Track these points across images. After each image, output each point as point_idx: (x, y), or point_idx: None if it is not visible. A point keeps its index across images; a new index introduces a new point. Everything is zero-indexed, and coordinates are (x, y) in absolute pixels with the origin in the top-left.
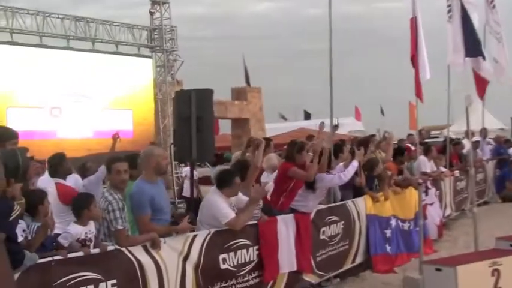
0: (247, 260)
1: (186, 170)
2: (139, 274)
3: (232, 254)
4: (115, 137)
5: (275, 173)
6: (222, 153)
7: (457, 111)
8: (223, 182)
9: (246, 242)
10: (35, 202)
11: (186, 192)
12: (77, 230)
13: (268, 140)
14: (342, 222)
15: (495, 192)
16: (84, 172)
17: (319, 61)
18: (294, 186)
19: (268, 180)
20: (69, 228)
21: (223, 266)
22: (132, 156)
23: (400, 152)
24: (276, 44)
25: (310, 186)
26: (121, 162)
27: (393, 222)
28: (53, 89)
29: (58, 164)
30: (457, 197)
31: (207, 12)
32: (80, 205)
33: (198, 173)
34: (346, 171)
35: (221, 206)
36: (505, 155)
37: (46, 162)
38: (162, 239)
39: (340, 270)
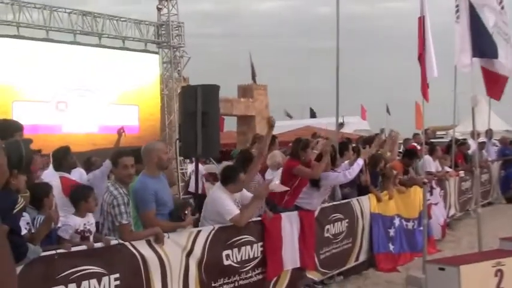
0: (250, 256)
1: (192, 166)
2: (142, 269)
3: (235, 250)
4: (120, 132)
5: (279, 171)
6: (229, 150)
7: (463, 112)
8: (228, 178)
9: (250, 238)
10: (40, 195)
11: (193, 188)
12: (76, 221)
13: (273, 137)
14: (346, 220)
15: (500, 193)
16: (89, 166)
17: (326, 60)
18: (298, 183)
19: (272, 177)
20: (68, 221)
21: (226, 262)
22: (137, 151)
23: (410, 154)
24: (283, 42)
25: (315, 183)
26: (128, 156)
27: (397, 221)
28: (58, 84)
29: (62, 158)
30: (461, 197)
31: (214, 9)
32: (77, 197)
33: (203, 169)
34: (351, 169)
35: (225, 203)
36: (510, 156)
37: (50, 156)
38: (165, 234)
39: (343, 268)
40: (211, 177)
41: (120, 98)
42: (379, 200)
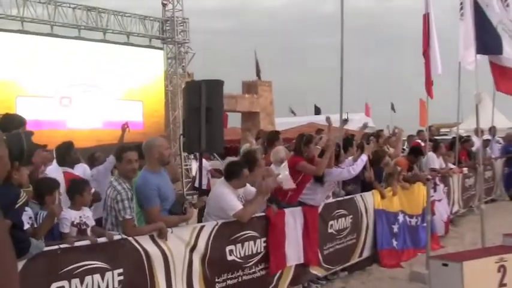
0: (254, 251)
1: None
2: (145, 264)
3: (239, 245)
4: (124, 127)
5: (282, 165)
6: (233, 147)
7: (467, 110)
8: (232, 174)
9: (253, 233)
10: (43, 191)
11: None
12: (71, 214)
13: (276, 132)
14: (350, 216)
15: (503, 190)
16: (93, 162)
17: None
18: (302, 179)
19: (278, 172)
20: (64, 214)
21: (230, 258)
22: (141, 146)
23: (416, 152)
24: (288, 39)
25: (319, 179)
26: (132, 151)
27: (400, 217)
28: (63, 79)
29: (66, 153)
30: (465, 194)
31: (219, 5)
32: (73, 190)
33: (208, 165)
34: (355, 165)
35: (228, 198)
36: None
37: (54, 151)
38: (169, 229)
39: (347, 264)
40: (217, 173)
41: (124, 93)
42: (383, 196)
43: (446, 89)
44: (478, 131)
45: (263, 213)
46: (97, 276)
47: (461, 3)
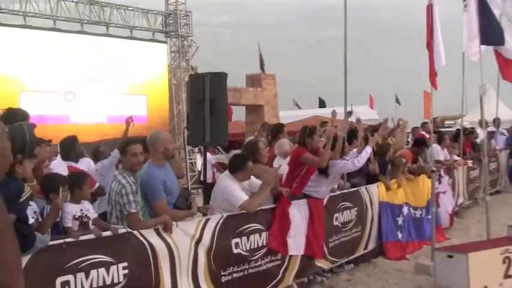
0: (259, 244)
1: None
2: (151, 257)
3: (244, 238)
4: (128, 121)
5: (287, 159)
6: (238, 140)
7: (471, 102)
8: (236, 167)
9: (259, 226)
10: (48, 188)
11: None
12: (71, 208)
13: (281, 125)
14: (355, 208)
15: (508, 182)
16: (97, 156)
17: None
18: (306, 171)
19: (280, 165)
20: (65, 208)
21: (235, 251)
22: (145, 140)
23: (420, 143)
24: (291, 32)
25: (323, 171)
26: (136, 144)
27: (405, 210)
28: (66, 74)
29: (70, 147)
30: (469, 186)
31: None
32: (72, 184)
33: (213, 159)
34: (359, 157)
35: (233, 189)
36: None
37: (58, 146)
38: (174, 223)
39: (352, 257)
40: (222, 168)
41: (128, 87)
42: (388, 188)
43: (450, 82)
44: (482, 123)
45: (268, 206)
46: (102, 270)
47: None
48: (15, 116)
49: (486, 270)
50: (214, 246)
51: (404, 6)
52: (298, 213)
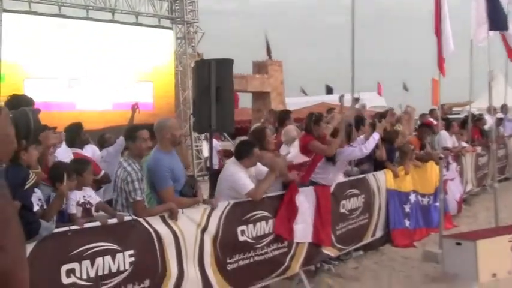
0: (266, 232)
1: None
2: (157, 245)
3: (251, 226)
4: (134, 108)
5: (293, 145)
6: (244, 127)
7: (479, 89)
8: (242, 153)
9: (265, 213)
10: (54, 177)
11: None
12: (75, 194)
13: (287, 111)
14: (363, 195)
15: None
16: (102, 143)
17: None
18: (314, 159)
19: (287, 151)
20: (69, 194)
21: (241, 238)
22: (151, 127)
23: (423, 127)
24: (299, 18)
25: (331, 158)
26: (143, 130)
27: (413, 197)
28: (71, 61)
29: (75, 134)
30: (478, 173)
31: None
32: (73, 170)
33: (219, 145)
34: (367, 143)
35: (240, 177)
36: None
37: (63, 133)
38: (180, 210)
39: (360, 244)
40: (228, 154)
41: (134, 74)
42: (395, 175)
43: (458, 70)
44: (491, 109)
45: (275, 193)
46: (108, 258)
47: None
48: (19, 103)
49: (495, 257)
50: (220, 233)
51: None
52: (305, 200)
